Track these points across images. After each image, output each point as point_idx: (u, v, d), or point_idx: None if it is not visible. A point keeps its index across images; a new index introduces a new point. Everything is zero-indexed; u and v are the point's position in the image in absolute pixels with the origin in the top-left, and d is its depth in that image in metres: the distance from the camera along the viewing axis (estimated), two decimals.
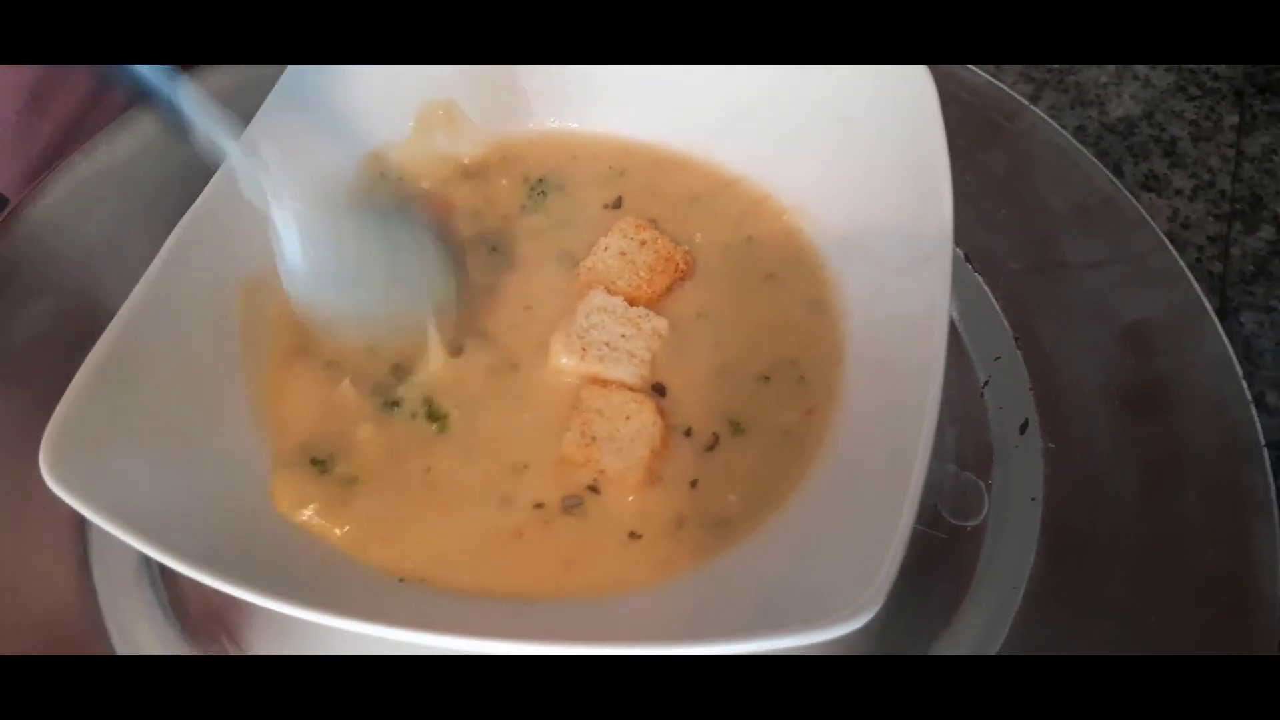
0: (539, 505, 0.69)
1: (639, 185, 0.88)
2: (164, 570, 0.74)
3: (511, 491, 0.69)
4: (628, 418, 0.70)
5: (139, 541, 0.56)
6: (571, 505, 0.69)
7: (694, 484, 0.70)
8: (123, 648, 0.72)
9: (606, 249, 0.80)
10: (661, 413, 0.72)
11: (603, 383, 0.73)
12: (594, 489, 0.70)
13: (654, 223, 0.83)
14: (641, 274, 0.79)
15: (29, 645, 0.72)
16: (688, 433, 0.72)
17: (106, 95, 1.05)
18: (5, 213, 0.91)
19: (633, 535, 0.67)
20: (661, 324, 0.76)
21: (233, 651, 0.71)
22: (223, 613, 0.72)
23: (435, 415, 0.73)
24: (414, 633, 0.54)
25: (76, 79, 1.01)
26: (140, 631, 0.72)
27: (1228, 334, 0.82)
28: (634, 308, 0.76)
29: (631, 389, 0.73)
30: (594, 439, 0.70)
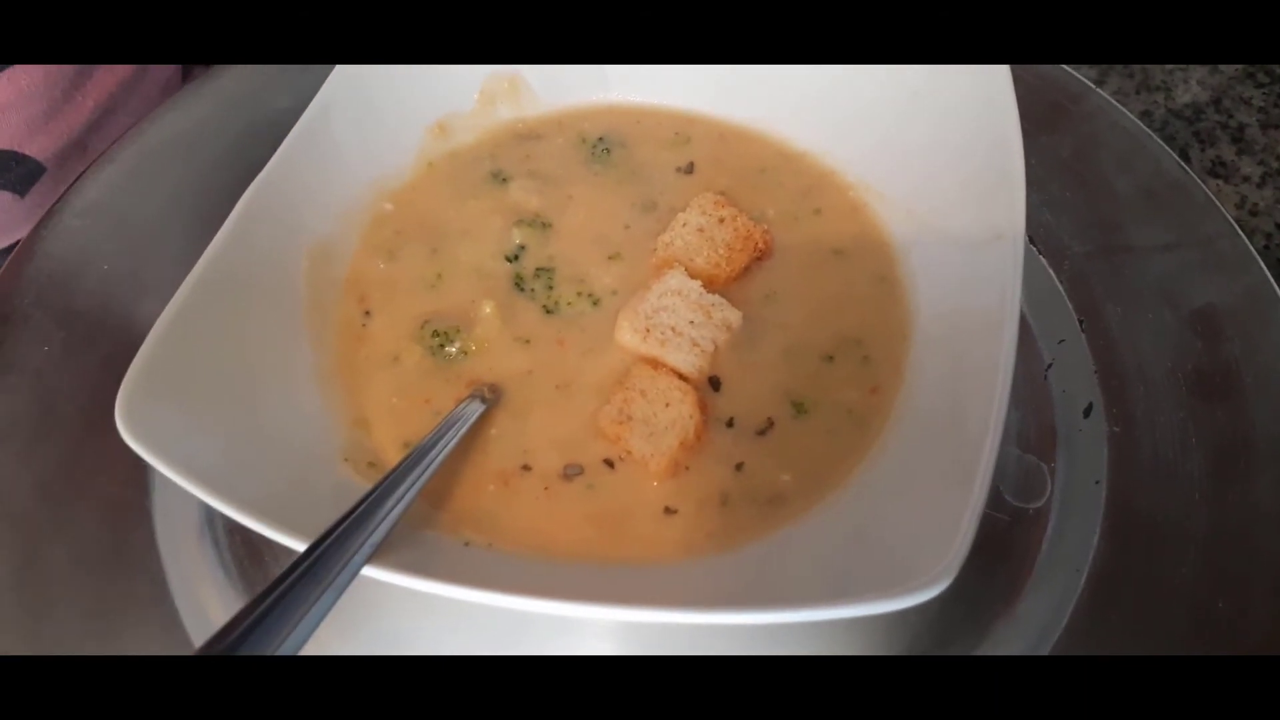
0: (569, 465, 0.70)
1: (706, 153, 0.87)
2: (227, 530, 0.75)
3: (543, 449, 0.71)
4: (667, 404, 0.69)
5: (209, 495, 0.57)
6: (572, 474, 0.69)
7: (739, 466, 0.69)
8: (185, 607, 0.73)
9: (685, 225, 0.79)
10: (703, 406, 0.71)
11: (654, 364, 0.72)
12: (609, 463, 0.70)
13: (726, 195, 0.82)
14: (720, 252, 0.77)
15: (92, 604, 0.73)
16: (730, 423, 0.71)
17: (148, 75, 1.06)
18: (74, 180, 0.92)
19: (668, 510, 0.67)
20: (735, 317, 0.74)
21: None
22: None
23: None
24: (477, 591, 0.54)
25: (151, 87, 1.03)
26: (203, 590, 0.73)
27: None
28: (709, 295, 0.75)
29: (685, 378, 0.72)
30: (629, 418, 0.69)
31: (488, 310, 0.76)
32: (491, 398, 0.72)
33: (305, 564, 0.53)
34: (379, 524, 0.57)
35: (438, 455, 0.64)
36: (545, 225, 0.82)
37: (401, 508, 0.59)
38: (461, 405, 0.70)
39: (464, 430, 0.68)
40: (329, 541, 0.55)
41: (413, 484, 0.61)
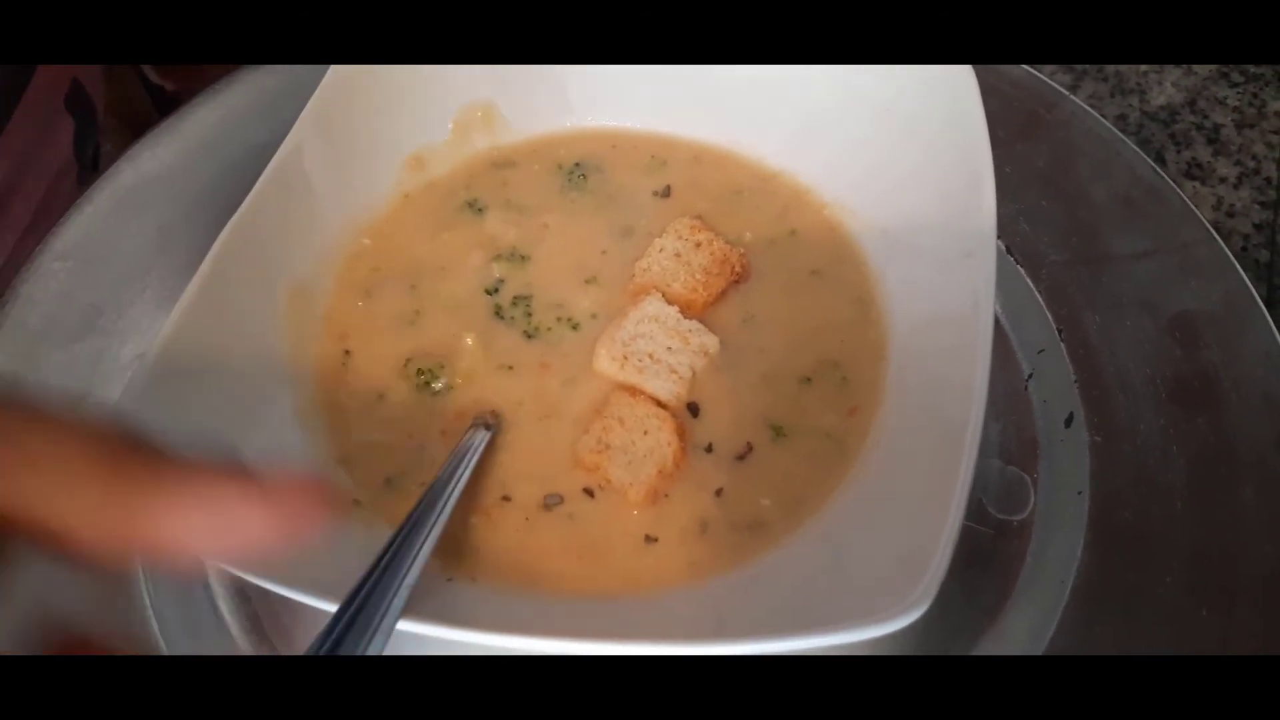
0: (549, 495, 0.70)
1: (683, 177, 0.87)
2: (214, 571, 0.75)
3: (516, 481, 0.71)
4: (646, 432, 0.70)
5: None
6: (553, 504, 0.69)
7: (719, 492, 0.69)
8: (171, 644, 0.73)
9: (661, 250, 0.79)
10: (681, 432, 0.71)
11: (632, 391, 0.73)
12: (589, 492, 0.70)
13: (702, 219, 0.82)
14: (697, 276, 0.77)
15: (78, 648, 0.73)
16: (709, 449, 0.71)
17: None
18: (53, 223, 0.93)
19: (649, 539, 0.67)
20: (712, 342, 0.75)
21: (280, 647, 0.72)
22: (272, 612, 0.73)
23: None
24: (459, 631, 0.54)
25: (34, 185, 1.02)
26: (190, 629, 0.73)
27: (1277, 324, 0.81)
28: (686, 320, 0.75)
29: (663, 405, 0.72)
30: (608, 447, 0.69)
31: (469, 342, 0.76)
32: (494, 423, 0.72)
33: (339, 626, 0.52)
34: (408, 571, 0.55)
35: (453, 491, 0.64)
36: (524, 258, 0.83)
37: (428, 549, 0.58)
38: (467, 436, 0.70)
39: (475, 461, 0.68)
40: (360, 599, 0.53)
41: (434, 524, 0.60)
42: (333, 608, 0.54)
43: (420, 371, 0.75)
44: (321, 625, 0.71)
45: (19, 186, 1.01)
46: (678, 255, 0.78)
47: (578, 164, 0.89)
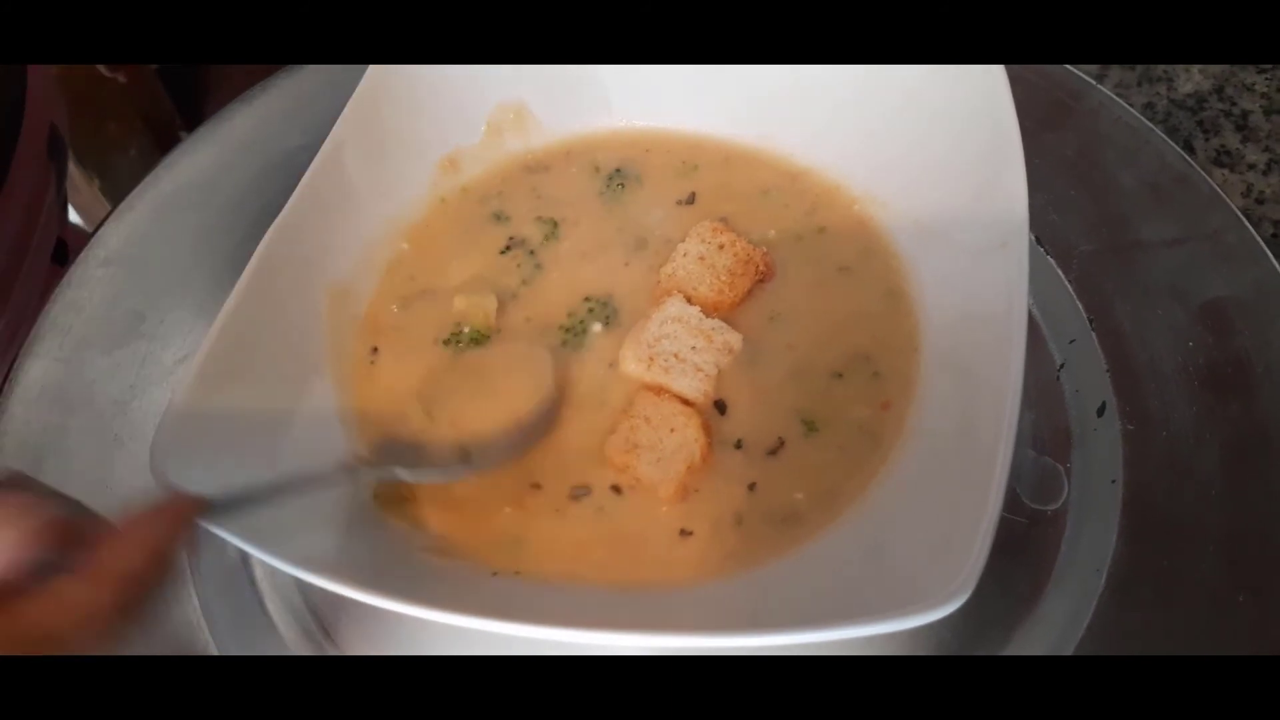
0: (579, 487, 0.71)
1: (711, 182, 0.88)
2: (261, 568, 0.77)
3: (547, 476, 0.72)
4: (673, 430, 0.70)
5: (248, 544, 0.58)
6: (580, 495, 0.71)
7: (752, 486, 0.70)
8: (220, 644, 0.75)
9: (685, 254, 0.79)
10: (708, 429, 0.72)
11: (658, 390, 0.73)
12: (616, 489, 0.71)
13: (726, 221, 0.83)
14: (722, 278, 0.78)
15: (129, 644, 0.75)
16: (738, 445, 0.72)
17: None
18: (99, 222, 0.95)
19: (683, 532, 0.68)
20: (735, 339, 0.76)
21: (328, 646, 0.74)
22: (318, 608, 0.75)
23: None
24: (502, 623, 0.55)
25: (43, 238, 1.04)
26: (239, 629, 0.75)
27: None
28: (709, 319, 0.76)
29: (690, 403, 0.73)
30: (636, 446, 0.70)
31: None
32: None
33: None
34: None
35: None
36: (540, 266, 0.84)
37: None
38: None
39: None
40: None
41: None
42: (375, 600, 0.56)
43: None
44: (368, 620, 0.74)
45: (27, 242, 1.02)
46: (701, 258, 0.79)
47: (619, 169, 0.89)
